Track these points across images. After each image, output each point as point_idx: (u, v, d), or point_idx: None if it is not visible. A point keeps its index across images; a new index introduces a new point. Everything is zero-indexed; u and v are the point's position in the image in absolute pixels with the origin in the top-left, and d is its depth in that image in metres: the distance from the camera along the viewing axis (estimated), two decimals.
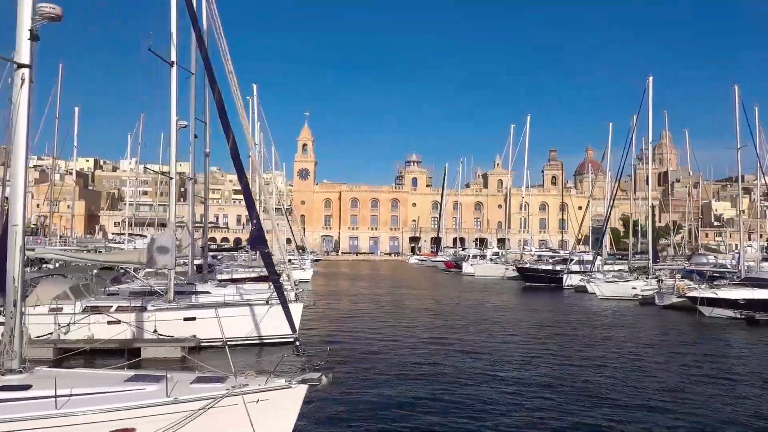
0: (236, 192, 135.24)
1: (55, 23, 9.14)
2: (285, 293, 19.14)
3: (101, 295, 19.18)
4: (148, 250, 17.96)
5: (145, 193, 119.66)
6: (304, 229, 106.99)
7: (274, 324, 18.05)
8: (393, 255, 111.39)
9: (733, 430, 11.06)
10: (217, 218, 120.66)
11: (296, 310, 18.62)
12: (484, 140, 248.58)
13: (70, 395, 7.80)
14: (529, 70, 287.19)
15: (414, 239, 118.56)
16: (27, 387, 8.16)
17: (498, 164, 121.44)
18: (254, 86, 44.97)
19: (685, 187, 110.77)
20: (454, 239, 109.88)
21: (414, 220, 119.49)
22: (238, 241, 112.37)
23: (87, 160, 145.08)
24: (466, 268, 61.56)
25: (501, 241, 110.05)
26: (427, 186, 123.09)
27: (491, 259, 66.63)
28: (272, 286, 8.87)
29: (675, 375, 16.01)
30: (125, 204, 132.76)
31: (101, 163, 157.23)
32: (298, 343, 8.93)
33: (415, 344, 19.91)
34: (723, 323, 27.10)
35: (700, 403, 12.91)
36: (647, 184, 43.48)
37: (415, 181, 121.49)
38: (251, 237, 11.60)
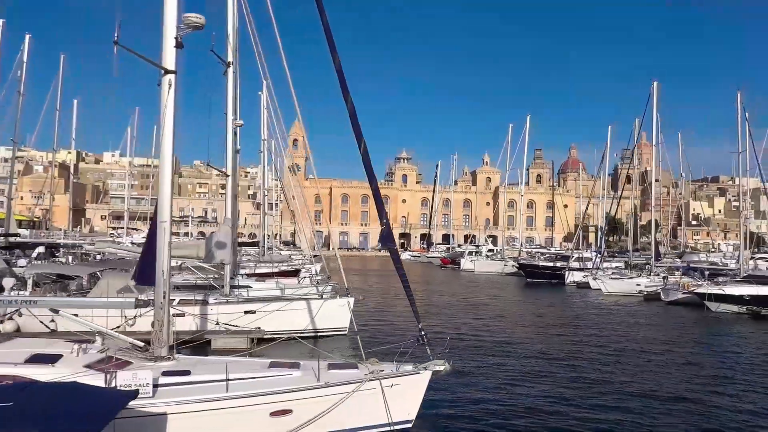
0: (223, 186, 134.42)
1: (198, 31, 9.63)
2: (341, 288, 19.98)
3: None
4: (207, 245, 18.50)
5: (131, 186, 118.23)
6: (294, 225, 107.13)
7: (328, 317, 18.79)
8: (383, 251, 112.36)
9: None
10: (206, 212, 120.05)
11: (348, 303, 19.42)
12: (471, 138, 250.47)
13: (231, 380, 8.41)
14: (517, 70, 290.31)
15: (403, 235, 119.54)
16: (187, 372, 8.75)
17: (486, 162, 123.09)
18: (264, 82, 45.12)
19: (653, 186, 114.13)
20: (444, 235, 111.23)
21: (404, 217, 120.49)
22: None
23: (69, 152, 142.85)
24: (465, 264, 62.70)
25: (490, 238, 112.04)
26: (417, 183, 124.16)
27: (487, 256, 67.92)
28: (401, 281, 9.51)
29: (709, 366, 17.18)
30: (111, 197, 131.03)
31: (84, 155, 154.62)
32: (423, 333, 9.62)
33: (482, 338, 20.74)
34: (730, 318, 28.57)
35: (736, 393, 14.05)
36: (648, 185, 44.77)
37: (405, 177, 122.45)
38: (381, 235, 12.25)
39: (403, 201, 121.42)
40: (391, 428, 9.32)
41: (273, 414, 8.47)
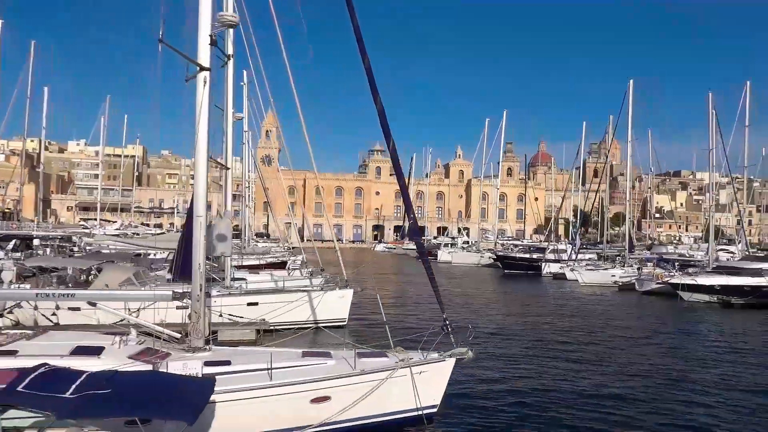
0: (193, 177, 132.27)
1: (231, 29, 9.79)
2: (340, 280, 20.30)
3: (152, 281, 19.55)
4: (208, 238, 18.54)
5: (96, 176, 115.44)
6: (268, 216, 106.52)
7: (328, 309, 19.16)
8: (356, 243, 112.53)
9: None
10: (177, 204, 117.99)
11: (347, 295, 19.81)
12: (444, 131, 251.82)
13: (274, 368, 8.74)
14: (491, 67, 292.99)
15: (377, 227, 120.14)
16: (227, 362, 9.03)
17: (459, 155, 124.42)
18: (245, 72, 44.74)
19: (629, 181, 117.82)
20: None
21: (377, 209, 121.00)
22: None
23: (32, 140, 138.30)
24: (442, 256, 63.58)
25: (465, 230, 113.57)
26: (391, 175, 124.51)
27: (463, 248, 68.97)
28: (427, 273, 9.95)
29: (697, 348, 18.24)
30: (77, 188, 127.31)
31: (47, 143, 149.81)
32: (447, 322, 10.09)
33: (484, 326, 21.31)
34: (702, 307, 30.02)
35: (720, 372, 15.06)
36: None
37: (379, 169, 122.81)
38: (409, 229, 12.64)
39: (377, 193, 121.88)
40: (419, 413, 9.80)
41: (313, 401, 8.84)
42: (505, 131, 63.53)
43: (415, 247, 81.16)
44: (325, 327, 19.02)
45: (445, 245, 71.56)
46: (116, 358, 8.43)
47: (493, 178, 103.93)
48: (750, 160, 43.79)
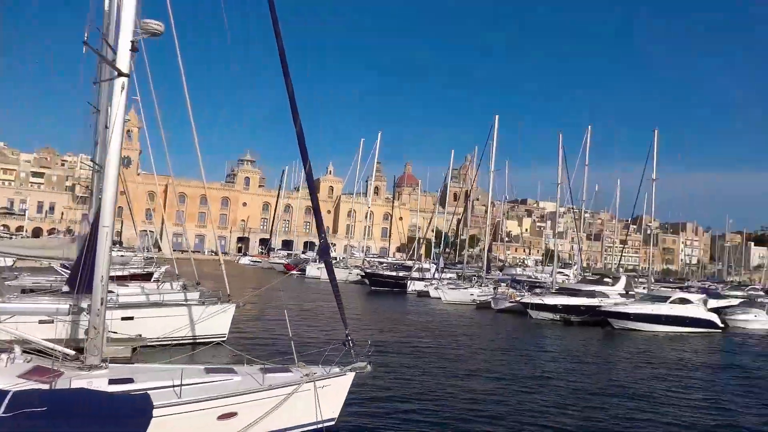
0: (35, 174, 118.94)
1: (156, 38, 9.74)
2: (222, 294, 19.91)
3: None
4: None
5: None
6: (122, 223, 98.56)
7: (208, 324, 18.66)
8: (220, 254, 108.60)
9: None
10: (12, 203, 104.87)
11: (229, 310, 19.48)
12: (317, 146, 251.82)
13: (184, 385, 8.66)
14: (364, 85, 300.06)
15: (242, 239, 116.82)
16: (131, 380, 8.74)
17: (330, 171, 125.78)
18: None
19: (483, 206, 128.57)
20: (284, 241, 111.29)
21: (243, 220, 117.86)
22: (37, 231, 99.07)
23: None
24: (311, 271, 63.83)
25: (334, 245, 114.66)
26: (260, 186, 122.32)
27: None
28: (333, 291, 10.54)
29: (545, 357, 20.73)
30: None
31: None
32: (350, 338, 10.66)
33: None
34: (547, 323, 33.79)
35: (556, 377, 17.48)
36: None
37: (247, 180, 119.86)
38: (318, 248, 12.80)
39: (244, 204, 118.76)
40: (320, 425, 10.24)
41: (220, 417, 8.88)
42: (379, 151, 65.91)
43: (278, 261, 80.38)
44: (204, 343, 18.57)
45: (314, 261, 71.88)
46: (7, 378, 7.82)
47: (363, 196, 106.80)
48: (587, 194, 50.37)
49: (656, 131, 44.88)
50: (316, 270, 62.99)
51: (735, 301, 44.20)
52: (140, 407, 5.89)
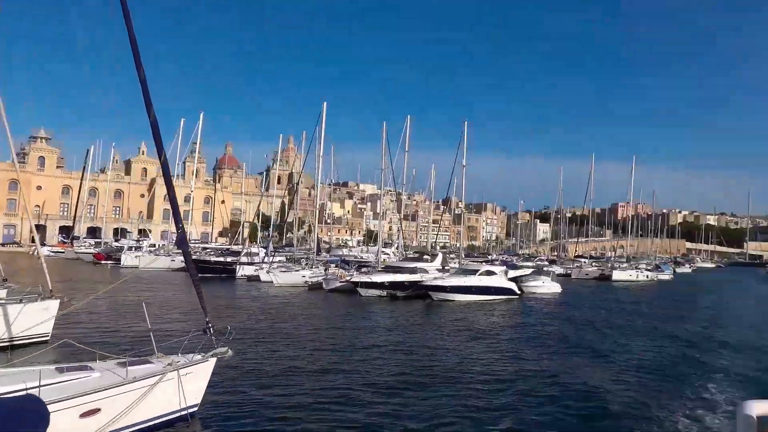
0: None
1: None
2: (42, 290, 18.12)
3: None
4: None
5: None
6: None
7: (26, 323, 16.96)
8: (9, 245, 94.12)
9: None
10: None
11: (52, 307, 17.85)
12: (127, 126, 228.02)
13: (43, 386, 8.25)
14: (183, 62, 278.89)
15: (38, 227, 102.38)
16: None
17: (143, 152, 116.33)
18: None
19: (307, 188, 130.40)
20: (90, 228, 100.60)
21: (38, 206, 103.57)
22: None
23: None
24: (127, 260, 59.15)
25: (141, 232, 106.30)
26: (59, 167, 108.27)
27: (150, 251, 65.36)
28: (192, 279, 10.71)
29: (377, 328, 22.67)
30: None
31: None
32: (210, 325, 10.89)
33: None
34: (375, 300, 36.31)
35: (385, 349, 19.62)
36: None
37: (42, 160, 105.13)
38: (177, 239, 12.22)
39: (39, 188, 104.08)
40: (184, 412, 10.41)
41: (83, 415, 8.65)
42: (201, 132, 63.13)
43: (86, 251, 72.79)
44: (23, 345, 16.85)
45: (130, 248, 66.57)
46: None
47: (181, 179, 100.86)
48: (406, 179, 54.44)
49: (465, 122, 50.05)
50: (133, 259, 58.56)
51: (528, 271, 51.78)
52: (33, 408, 5.72)
